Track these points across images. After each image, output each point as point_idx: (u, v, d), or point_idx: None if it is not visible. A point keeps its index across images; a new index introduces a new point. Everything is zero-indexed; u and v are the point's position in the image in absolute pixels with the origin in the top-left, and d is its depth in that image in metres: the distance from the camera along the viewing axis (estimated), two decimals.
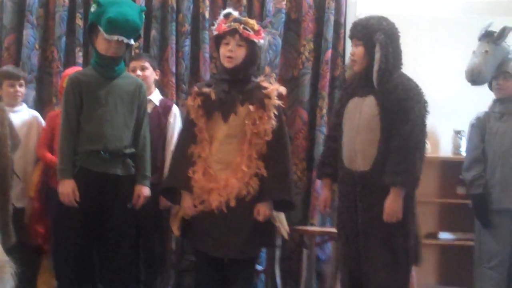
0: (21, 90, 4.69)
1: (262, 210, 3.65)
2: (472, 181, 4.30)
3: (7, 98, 4.61)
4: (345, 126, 3.61)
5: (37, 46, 5.26)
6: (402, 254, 3.44)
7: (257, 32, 3.76)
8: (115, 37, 3.79)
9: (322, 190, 3.94)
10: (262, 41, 3.80)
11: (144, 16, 4.00)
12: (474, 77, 4.22)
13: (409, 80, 3.47)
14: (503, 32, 4.21)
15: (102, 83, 3.91)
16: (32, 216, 4.61)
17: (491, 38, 4.22)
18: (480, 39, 4.29)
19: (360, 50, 3.53)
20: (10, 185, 3.92)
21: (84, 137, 3.87)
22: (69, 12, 5.25)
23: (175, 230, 3.86)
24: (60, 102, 4.73)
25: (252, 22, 3.79)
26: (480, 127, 4.34)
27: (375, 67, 3.43)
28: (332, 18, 5.14)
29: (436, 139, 5.22)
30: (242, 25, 3.72)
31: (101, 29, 3.81)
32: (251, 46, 3.73)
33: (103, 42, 3.84)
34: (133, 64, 4.62)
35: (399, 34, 3.55)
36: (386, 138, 3.41)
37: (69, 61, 5.24)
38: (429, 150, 5.13)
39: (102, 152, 3.83)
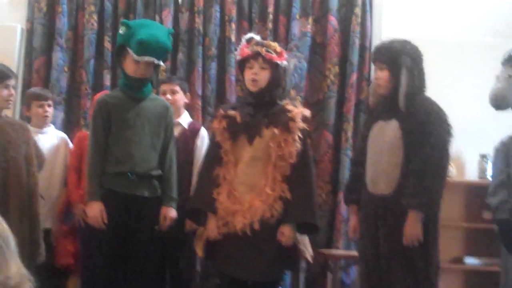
0: (50, 110, 4.72)
1: (286, 233, 3.65)
2: (497, 206, 4.26)
3: (35, 119, 4.67)
4: (369, 150, 3.61)
5: (66, 69, 5.35)
6: (424, 279, 3.41)
7: (279, 54, 3.77)
8: (145, 58, 3.82)
9: (350, 216, 3.93)
10: (285, 62, 3.80)
11: (172, 38, 4.04)
12: (498, 102, 4.19)
13: (432, 103, 3.47)
14: None
15: (130, 105, 3.94)
16: (60, 236, 4.67)
17: None
18: (503, 63, 4.26)
19: (385, 73, 3.52)
20: (39, 204, 3.96)
21: (112, 159, 3.89)
22: (98, 35, 5.34)
23: (199, 251, 3.86)
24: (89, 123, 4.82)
25: (274, 44, 3.80)
26: (505, 151, 4.30)
27: (402, 91, 3.42)
28: (357, 41, 5.17)
29: (462, 163, 5.20)
30: (265, 48, 3.74)
31: (130, 50, 3.83)
32: (275, 69, 3.75)
33: (132, 64, 3.87)
34: (163, 87, 4.66)
35: (423, 57, 3.54)
36: (408, 161, 3.41)
37: (97, 84, 5.32)
38: (455, 174, 5.12)
39: (129, 174, 3.86)
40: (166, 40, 3.89)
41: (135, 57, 3.81)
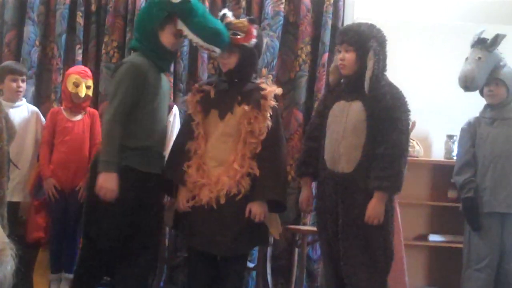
0: (23, 85, 4.72)
1: (254, 210, 3.70)
2: (463, 185, 4.37)
3: (8, 93, 4.65)
4: (329, 128, 3.66)
5: (37, 43, 5.32)
6: (381, 255, 3.50)
7: (247, 34, 3.79)
8: (217, 50, 3.73)
9: (303, 188, 3.95)
10: (253, 40, 3.82)
11: None
12: (467, 84, 4.29)
13: (396, 88, 3.54)
14: (496, 39, 4.27)
15: (158, 76, 3.80)
16: (31, 210, 4.69)
17: (484, 45, 4.28)
18: (473, 46, 4.35)
19: (351, 55, 3.57)
20: (6, 179, 3.93)
21: (134, 132, 3.68)
22: (70, 10, 5.31)
23: (169, 221, 3.90)
24: (61, 98, 4.82)
25: (242, 23, 3.80)
26: (471, 132, 4.41)
27: (368, 74, 3.48)
28: (329, 21, 5.20)
29: (429, 143, 5.30)
30: (232, 31, 3.76)
31: (181, 23, 3.69)
32: (243, 50, 3.79)
33: (172, 37, 3.74)
34: None
35: (387, 40, 3.60)
36: (370, 143, 3.48)
37: (69, 59, 5.31)
38: (422, 154, 5.22)
39: (151, 150, 3.77)
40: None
41: (218, 51, 3.73)
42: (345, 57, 3.60)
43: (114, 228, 3.69)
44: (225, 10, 3.95)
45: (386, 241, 3.52)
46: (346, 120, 3.56)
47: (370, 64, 3.48)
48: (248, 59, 3.81)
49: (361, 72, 3.53)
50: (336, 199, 3.58)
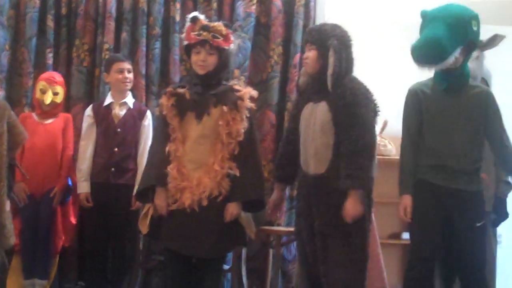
0: None
1: (230, 210, 3.73)
2: None
3: None
4: (301, 131, 3.69)
5: (7, 47, 5.28)
6: (360, 253, 3.52)
7: (226, 37, 3.83)
8: None
9: (274, 191, 3.97)
10: (232, 45, 3.89)
11: None
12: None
13: (358, 84, 3.55)
14: (494, 40, 4.13)
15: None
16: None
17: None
18: None
19: (313, 54, 3.61)
20: (4, 184, 3.87)
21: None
22: (40, 13, 5.28)
23: (144, 229, 3.88)
24: (32, 103, 4.78)
25: (220, 27, 3.83)
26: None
27: (329, 71, 3.51)
28: (301, 22, 5.23)
29: (400, 142, 5.32)
30: (211, 34, 3.78)
31: None
32: (222, 53, 3.82)
33: None
34: (120, 65, 4.67)
35: (352, 41, 3.62)
36: (339, 142, 3.51)
37: (40, 62, 5.28)
38: (393, 152, 5.25)
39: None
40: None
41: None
42: (308, 56, 3.65)
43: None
44: (195, 13, 3.96)
45: (363, 239, 3.55)
46: (314, 122, 3.59)
47: (330, 61, 3.51)
48: (226, 62, 3.86)
49: (324, 71, 3.56)
50: (310, 201, 3.61)
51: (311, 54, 3.62)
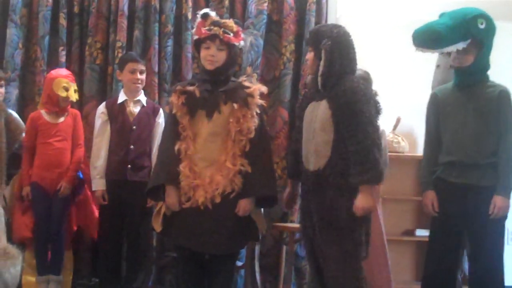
0: (1, 90, 4.69)
1: (243, 205, 3.74)
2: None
3: None
4: (303, 129, 3.72)
5: (20, 45, 5.30)
6: (353, 249, 3.51)
7: (236, 34, 3.84)
8: None
9: (287, 187, 4.02)
10: (242, 42, 3.90)
11: None
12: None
13: (358, 83, 3.55)
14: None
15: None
16: (17, 212, 4.69)
17: None
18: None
19: (311, 55, 3.66)
20: (3, 180, 3.89)
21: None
22: (53, 11, 5.29)
23: (157, 227, 3.89)
24: (42, 101, 4.80)
25: (231, 24, 3.85)
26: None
27: (319, 72, 3.55)
28: (313, 19, 5.22)
29: (414, 139, 5.33)
30: (222, 29, 3.79)
31: None
32: (232, 49, 3.82)
33: None
34: (133, 65, 4.66)
35: (351, 41, 3.62)
36: (339, 139, 3.51)
37: (52, 61, 5.29)
38: (407, 149, 5.26)
39: None
40: None
41: None
42: (308, 57, 3.71)
43: None
44: (206, 9, 3.96)
45: (357, 235, 3.54)
46: (315, 120, 3.61)
47: (321, 62, 3.55)
48: (235, 58, 3.87)
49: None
50: (309, 197, 3.63)
51: (309, 56, 3.68)
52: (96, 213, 4.79)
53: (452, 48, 3.78)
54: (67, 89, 4.65)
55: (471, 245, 3.86)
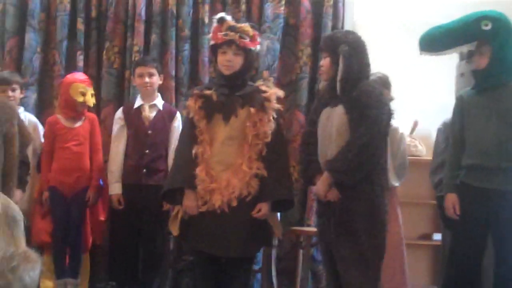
0: (14, 95, 4.69)
1: (263, 210, 3.74)
2: (437, 184, 4.38)
3: None
4: (319, 135, 3.72)
5: (38, 50, 5.33)
6: (371, 252, 3.52)
7: (252, 38, 3.84)
8: None
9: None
10: (258, 46, 3.90)
11: None
12: None
13: (373, 88, 3.57)
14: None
15: None
16: (37, 216, 4.72)
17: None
18: (461, 58, 4.37)
19: (326, 61, 3.66)
20: (14, 182, 3.92)
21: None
22: (70, 16, 5.32)
23: (174, 230, 3.90)
24: (59, 105, 4.84)
25: (247, 28, 3.84)
26: (447, 132, 4.40)
27: (338, 77, 3.56)
28: (329, 23, 5.22)
29: (431, 143, 5.28)
30: (238, 34, 3.79)
31: None
32: (248, 54, 3.83)
33: None
34: (140, 70, 4.69)
35: (366, 46, 3.64)
36: None
37: (70, 65, 5.31)
38: (424, 153, 5.24)
39: None
40: None
41: None
42: (322, 63, 3.71)
43: None
44: (222, 13, 3.97)
45: (375, 238, 3.54)
46: (331, 125, 3.62)
47: (340, 67, 3.55)
48: (252, 62, 3.87)
49: (337, 76, 3.60)
50: (328, 202, 3.62)
51: (325, 62, 3.68)
52: (102, 217, 4.81)
53: (455, 51, 3.90)
54: (84, 94, 4.68)
55: (495, 249, 3.83)
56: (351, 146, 3.47)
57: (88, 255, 4.94)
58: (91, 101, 4.71)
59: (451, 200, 3.91)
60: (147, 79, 4.63)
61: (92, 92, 4.75)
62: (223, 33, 3.81)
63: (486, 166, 3.79)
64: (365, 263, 3.52)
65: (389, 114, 3.60)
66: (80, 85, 4.70)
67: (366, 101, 3.48)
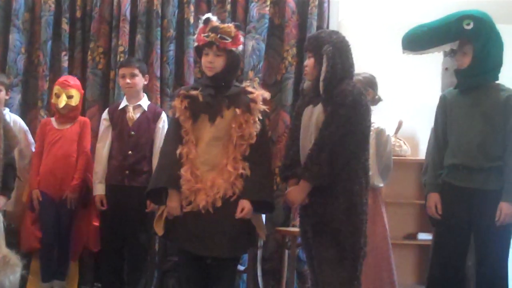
0: None
1: (243, 205, 3.73)
2: (426, 183, 4.39)
3: None
4: (301, 133, 3.71)
5: (23, 50, 5.31)
6: (349, 252, 3.51)
7: (234, 39, 3.83)
8: None
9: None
10: (240, 47, 3.88)
11: None
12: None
13: (352, 88, 3.54)
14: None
15: None
16: (27, 220, 4.70)
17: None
18: (444, 55, 4.38)
19: (311, 61, 3.66)
20: None
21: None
22: (55, 16, 5.31)
23: (159, 231, 3.89)
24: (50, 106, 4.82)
25: (229, 29, 3.83)
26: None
27: (321, 77, 3.55)
28: (314, 23, 5.22)
29: (416, 143, 5.33)
30: (219, 35, 3.79)
31: None
32: (230, 54, 3.82)
33: None
34: (122, 71, 4.70)
35: (350, 47, 3.63)
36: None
37: (55, 65, 5.32)
38: (409, 153, 5.26)
39: None
40: None
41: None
42: (307, 64, 3.71)
43: None
44: (208, 14, 3.97)
45: (351, 237, 3.53)
46: (310, 124, 3.62)
47: (323, 67, 3.55)
48: (234, 63, 3.86)
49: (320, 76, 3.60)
50: (309, 201, 3.62)
51: (309, 62, 3.68)
52: (95, 222, 4.79)
53: (437, 50, 3.89)
54: (58, 96, 4.68)
55: (477, 249, 3.84)
56: (323, 145, 3.46)
57: (77, 263, 4.93)
58: (61, 102, 4.67)
59: (433, 200, 3.91)
60: (128, 80, 4.63)
61: (70, 94, 4.71)
62: (205, 34, 3.81)
63: (468, 165, 3.78)
64: (341, 262, 3.50)
65: (364, 114, 3.56)
66: (56, 87, 4.73)
67: (340, 100, 3.47)
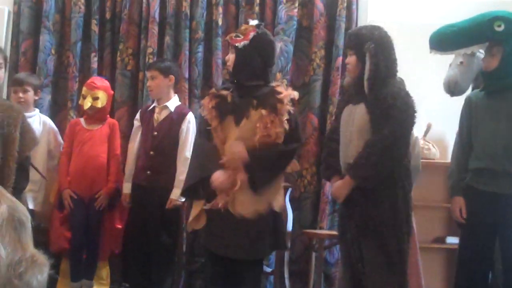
0: (25, 96, 4.66)
1: (241, 150, 3.67)
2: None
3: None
4: (341, 132, 3.69)
5: (53, 51, 5.37)
6: (397, 256, 3.49)
7: (244, 34, 3.77)
8: None
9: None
10: (244, 42, 3.79)
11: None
12: (451, 88, 4.19)
13: (400, 89, 3.53)
14: None
15: None
16: (56, 220, 4.74)
17: None
18: None
19: (353, 59, 3.61)
20: (10, 185, 3.87)
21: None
22: (85, 18, 5.36)
23: (198, 225, 3.77)
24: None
25: (245, 27, 3.82)
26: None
27: (366, 76, 3.50)
28: (343, 25, 5.21)
29: (445, 146, 5.28)
30: (235, 34, 3.81)
31: None
32: (238, 51, 3.79)
33: None
34: (147, 74, 4.79)
35: (392, 42, 3.58)
36: None
37: (84, 67, 5.36)
38: (438, 156, 5.21)
39: None
40: None
41: None
42: (348, 61, 3.66)
43: None
44: (255, 20, 3.97)
45: (399, 242, 3.51)
46: (352, 124, 3.58)
47: (367, 66, 3.51)
48: (243, 59, 3.76)
49: (363, 74, 3.55)
50: (352, 204, 3.59)
51: (351, 59, 3.63)
52: (119, 225, 4.82)
53: (466, 51, 3.84)
54: (84, 97, 4.71)
55: (503, 254, 3.79)
56: (374, 148, 3.43)
57: (107, 263, 4.95)
58: (86, 104, 4.70)
59: (458, 203, 3.88)
60: (149, 83, 4.69)
61: (96, 95, 4.72)
62: None
63: (493, 169, 3.74)
64: (392, 267, 3.48)
65: (414, 117, 3.54)
66: (83, 88, 4.76)
67: (392, 102, 3.44)
